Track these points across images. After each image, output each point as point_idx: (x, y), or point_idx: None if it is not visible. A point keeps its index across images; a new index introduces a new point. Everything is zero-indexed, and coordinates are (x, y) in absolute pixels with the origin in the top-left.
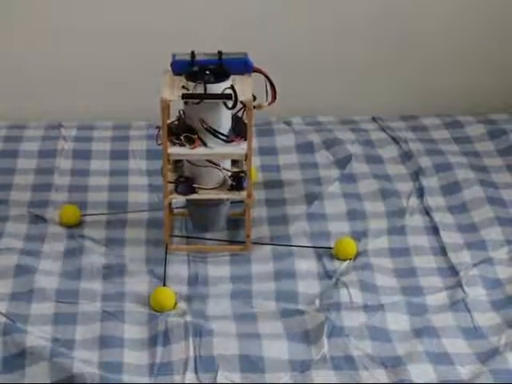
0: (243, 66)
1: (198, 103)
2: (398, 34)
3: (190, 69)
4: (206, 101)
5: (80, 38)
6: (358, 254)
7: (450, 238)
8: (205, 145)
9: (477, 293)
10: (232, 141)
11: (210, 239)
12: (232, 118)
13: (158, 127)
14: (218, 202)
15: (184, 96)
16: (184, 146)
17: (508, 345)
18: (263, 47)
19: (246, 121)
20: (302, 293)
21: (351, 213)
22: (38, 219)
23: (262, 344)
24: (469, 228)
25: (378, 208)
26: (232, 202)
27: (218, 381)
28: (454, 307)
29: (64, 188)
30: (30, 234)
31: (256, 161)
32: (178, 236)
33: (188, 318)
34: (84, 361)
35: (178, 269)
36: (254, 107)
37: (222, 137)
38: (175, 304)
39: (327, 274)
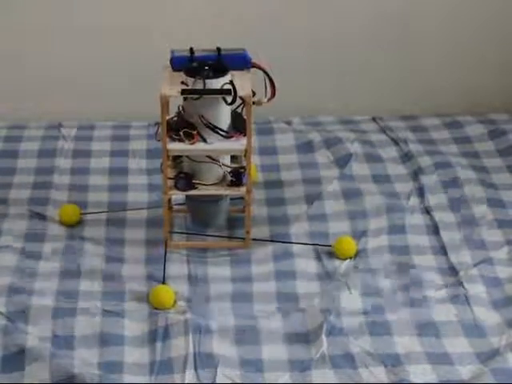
0: (242, 61)
1: (197, 99)
2: (397, 34)
3: (189, 64)
4: (205, 96)
5: (80, 37)
6: (358, 253)
7: (450, 237)
8: (204, 140)
9: (477, 290)
10: (231, 136)
11: (210, 235)
12: (231, 113)
13: (157, 123)
14: (217, 198)
15: (183, 92)
16: (183, 141)
17: (508, 345)
18: (263, 47)
19: (245, 116)
20: (301, 292)
21: (351, 212)
22: (38, 218)
23: (262, 343)
24: (469, 227)
25: (378, 207)
26: (232, 199)
27: (218, 379)
28: (455, 300)
29: (64, 187)
30: (29, 233)
31: (256, 160)
32: (177, 232)
33: (188, 318)
34: (84, 360)
35: (178, 268)
36: (254, 103)
37: (222, 132)
38: (174, 302)
39: (327, 274)
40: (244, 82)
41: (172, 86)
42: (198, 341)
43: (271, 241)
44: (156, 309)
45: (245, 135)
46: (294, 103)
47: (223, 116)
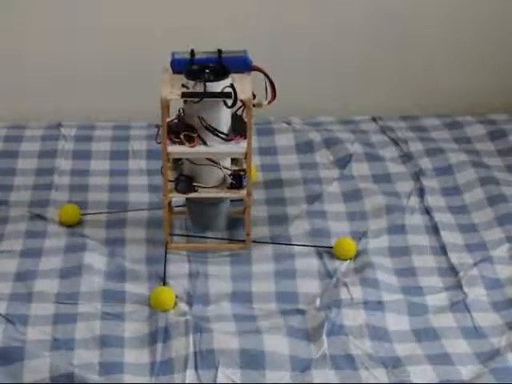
0: (243, 64)
1: (197, 102)
2: (397, 34)
3: (190, 67)
4: (205, 99)
5: (80, 37)
6: (358, 254)
7: (450, 237)
8: (204, 143)
9: (477, 293)
10: (231, 139)
11: (210, 238)
12: (232, 116)
13: (157, 126)
14: (217, 201)
15: (184, 95)
16: (183, 144)
17: (508, 346)
18: (263, 47)
19: (245, 119)
20: (302, 293)
21: (351, 212)
22: (39, 219)
23: (263, 343)
24: (469, 227)
25: (378, 207)
26: (232, 201)
27: (219, 378)
28: (454, 308)
29: (64, 188)
30: (30, 233)
31: (256, 160)
32: (177, 235)
33: (189, 318)
34: (84, 360)
35: (179, 268)
36: (254, 106)
37: (222, 135)
38: (175, 304)
39: (328, 274)
40: (244, 85)
41: (172, 89)
42: (199, 341)
43: (271, 243)
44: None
45: (245, 138)
46: (294, 103)
47: (223, 119)
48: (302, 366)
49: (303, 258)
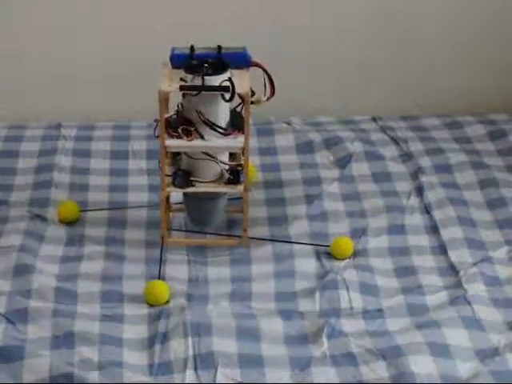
0: (242, 60)
1: (195, 95)
2: (397, 34)
3: (189, 62)
4: (203, 93)
5: (80, 37)
6: (357, 254)
7: (449, 236)
8: (202, 137)
9: (477, 289)
10: (229, 134)
11: (208, 233)
12: (231, 112)
13: (156, 120)
14: (214, 196)
15: (182, 88)
16: (181, 138)
17: (508, 346)
18: (263, 46)
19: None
20: (301, 293)
21: (351, 212)
22: (38, 219)
23: (262, 343)
24: (469, 227)
25: (378, 207)
26: (231, 199)
27: (218, 379)
28: (455, 302)
29: (64, 187)
30: (29, 233)
31: (256, 161)
32: (174, 229)
33: (188, 318)
34: (83, 360)
35: (178, 268)
36: (253, 102)
37: (219, 130)
38: (170, 298)
39: (327, 274)
40: (243, 80)
41: (171, 83)
42: (198, 342)
43: (268, 240)
44: (151, 305)
45: (243, 133)
46: (294, 103)
47: (222, 113)
48: (302, 364)
49: (303, 258)
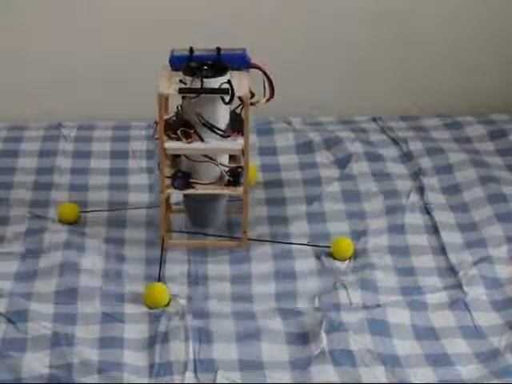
0: (241, 61)
1: (195, 98)
2: (397, 34)
3: (188, 64)
4: (203, 95)
5: (80, 37)
6: (357, 254)
7: (449, 236)
8: (201, 140)
9: (476, 292)
10: (229, 136)
11: (207, 235)
12: (230, 114)
13: (155, 122)
14: (214, 198)
15: (181, 90)
16: (181, 140)
17: (509, 346)
18: (263, 47)
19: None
20: (301, 292)
21: (351, 212)
22: (39, 219)
23: (262, 343)
24: (469, 227)
25: (378, 207)
26: (231, 201)
27: (218, 381)
28: (454, 306)
29: (64, 187)
30: (30, 233)
31: (256, 161)
32: (174, 231)
33: (188, 318)
34: (83, 359)
35: (178, 268)
36: (252, 104)
37: (219, 132)
38: (169, 301)
39: (327, 274)
40: (242, 82)
41: (170, 85)
42: (198, 344)
43: (267, 241)
44: (151, 308)
45: (242, 135)
46: (294, 103)
47: (221, 115)
48: (302, 365)
49: (302, 258)
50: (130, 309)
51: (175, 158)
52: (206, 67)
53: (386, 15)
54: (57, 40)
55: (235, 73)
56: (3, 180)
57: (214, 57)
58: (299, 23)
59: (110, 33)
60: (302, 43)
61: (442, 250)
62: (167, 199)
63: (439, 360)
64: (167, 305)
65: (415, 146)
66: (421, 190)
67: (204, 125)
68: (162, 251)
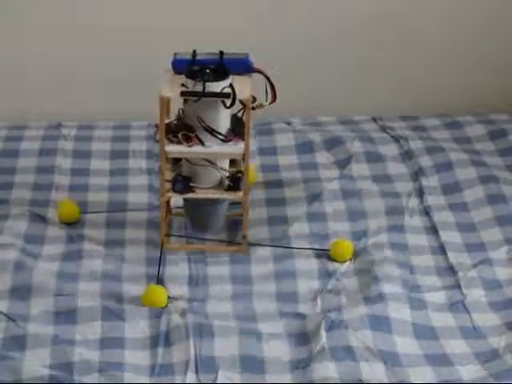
0: (244, 66)
1: (196, 101)
2: (397, 34)
3: (191, 67)
4: (204, 99)
5: (80, 37)
6: (357, 254)
7: (449, 237)
8: (202, 143)
9: (476, 294)
10: (230, 140)
11: (208, 239)
12: (231, 118)
13: (156, 125)
14: (214, 202)
15: (182, 93)
16: (181, 144)
17: (508, 347)
18: (263, 47)
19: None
20: (301, 293)
21: (351, 213)
22: (39, 218)
23: (263, 344)
24: (468, 227)
25: (378, 207)
26: (232, 204)
27: (219, 381)
28: (453, 308)
29: (64, 187)
30: (29, 233)
31: (256, 161)
32: (174, 235)
33: (189, 319)
34: (84, 359)
35: (179, 269)
36: (254, 108)
37: (220, 136)
38: (167, 302)
39: (327, 275)
40: (244, 86)
41: (172, 88)
42: (199, 344)
43: (267, 245)
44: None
45: (243, 139)
46: (294, 103)
47: (222, 120)
48: (303, 365)
49: (303, 259)
50: (130, 308)
51: (176, 161)
52: (208, 71)
53: (386, 15)
54: (57, 40)
55: (237, 77)
56: (3, 180)
57: (216, 61)
58: (299, 23)
59: (110, 33)
60: (302, 43)
61: (441, 249)
62: (167, 202)
63: (439, 361)
64: (166, 306)
65: (415, 144)
66: (420, 190)
67: (205, 129)
68: (160, 254)
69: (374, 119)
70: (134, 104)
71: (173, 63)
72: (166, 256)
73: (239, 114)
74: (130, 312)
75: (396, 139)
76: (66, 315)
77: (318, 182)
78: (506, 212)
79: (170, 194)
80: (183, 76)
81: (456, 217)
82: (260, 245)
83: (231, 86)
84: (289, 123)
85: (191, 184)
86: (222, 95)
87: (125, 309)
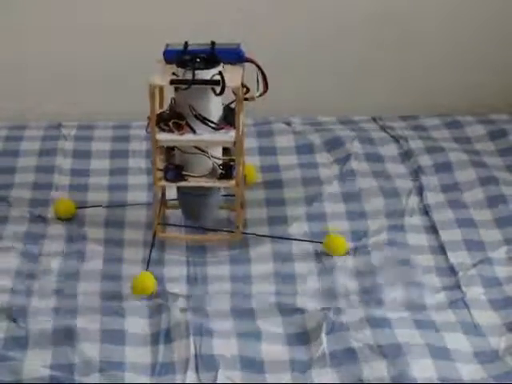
0: (235, 55)
1: (186, 89)
2: (397, 34)
3: (181, 57)
4: (194, 87)
5: (80, 37)
6: (358, 254)
7: (449, 237)
8: (193, 131)
9: (475, 292)
10: (221, 128)
11: (201, 228)
12: (224, 108)
13: (148, 117)
14: (206, 192)
15: (172, 81)
16: (173, 132)
17: (508, 349)
18: (263, 46)
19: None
20: (301, 292)
21: (351, 212)
22: (38, 218)
23: (262, 344)
24: (468, 227)
25: (378, 207)
26: (227, 195)
27: (219, 380)
28: (453, 305)
29: (64, 187)
30: (29, 232)
31: (256, 161)
32: (166, 224)
33: (189, 317)
34: (85, 359)
35: (178, 268)
36: (247, 99)
37: (211, 124)
38: (155, 288)
39: (326, 273)
40: (235, 75)
41: (163, 77)
42: (199, 342)
43: (261, 236)
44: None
45: (235, 128)
46: (294, 103)
47: (213, 108)
48: (303, 366)
49: (302, 257)
50: (129, 306)
51: (169, 151)
52: (198, 60)
53: (386, 15)
54: (57, 40)
55: (229, 66)
56: (3, 180)
57: (207, 51)
58: (299, 23)
59: (110, 33)
60: (301, 43)
61: (441, 249)
62: (163, 194)
63: (439, 353)
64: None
65: (415, 144)
66: (420, 189)
67: (196, 117)
68: (152, 244)
69: (374, 119)
70: (134, 104)
71: (164, 53)
72: (166, 256)
73: (232, 106)
74: (129, 309)
75: (396, 139)
76: (66, 315)
77: (318, 181)
78: (506, 212)
79: (162, 182)
80: (174, 66)
81: (456, 216)
82: (254, 234)
83: (220, 73)
84: (289, 123)
85: (183, 172)
86: (211, 82)
87: (125, 306)
